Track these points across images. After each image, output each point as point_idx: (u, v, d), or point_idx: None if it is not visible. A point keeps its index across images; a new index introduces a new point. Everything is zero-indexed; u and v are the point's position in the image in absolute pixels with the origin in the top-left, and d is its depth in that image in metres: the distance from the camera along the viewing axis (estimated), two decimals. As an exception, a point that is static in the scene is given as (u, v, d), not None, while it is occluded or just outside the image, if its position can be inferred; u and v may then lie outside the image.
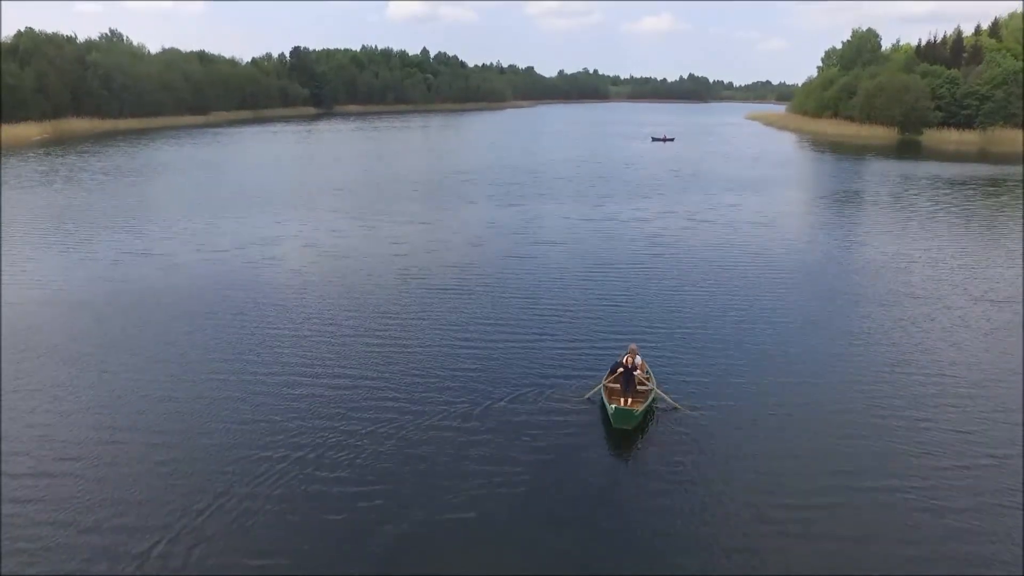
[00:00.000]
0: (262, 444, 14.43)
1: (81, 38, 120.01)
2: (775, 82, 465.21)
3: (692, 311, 22.88)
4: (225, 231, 34.38)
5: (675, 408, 16.08)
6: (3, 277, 25.70)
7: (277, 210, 40.01)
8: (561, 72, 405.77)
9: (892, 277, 27.21)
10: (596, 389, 16.60)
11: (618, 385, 16.28)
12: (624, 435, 14.86)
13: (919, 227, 37.25)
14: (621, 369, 16.51)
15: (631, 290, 25.29)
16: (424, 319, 21.87)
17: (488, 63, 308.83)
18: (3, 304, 22.71)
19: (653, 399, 16.19)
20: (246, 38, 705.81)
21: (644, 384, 16.52)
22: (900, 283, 26.37)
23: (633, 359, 16.94)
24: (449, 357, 18.83)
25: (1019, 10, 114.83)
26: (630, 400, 15.88)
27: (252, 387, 16.90)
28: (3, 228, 33.91)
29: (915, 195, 48.61)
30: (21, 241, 31.79)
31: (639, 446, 14.82)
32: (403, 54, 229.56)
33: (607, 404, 15.61)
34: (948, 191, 50.57)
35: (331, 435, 14.70)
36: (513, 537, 11.81)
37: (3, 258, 28.34)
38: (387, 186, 50.06)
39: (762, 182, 52.44)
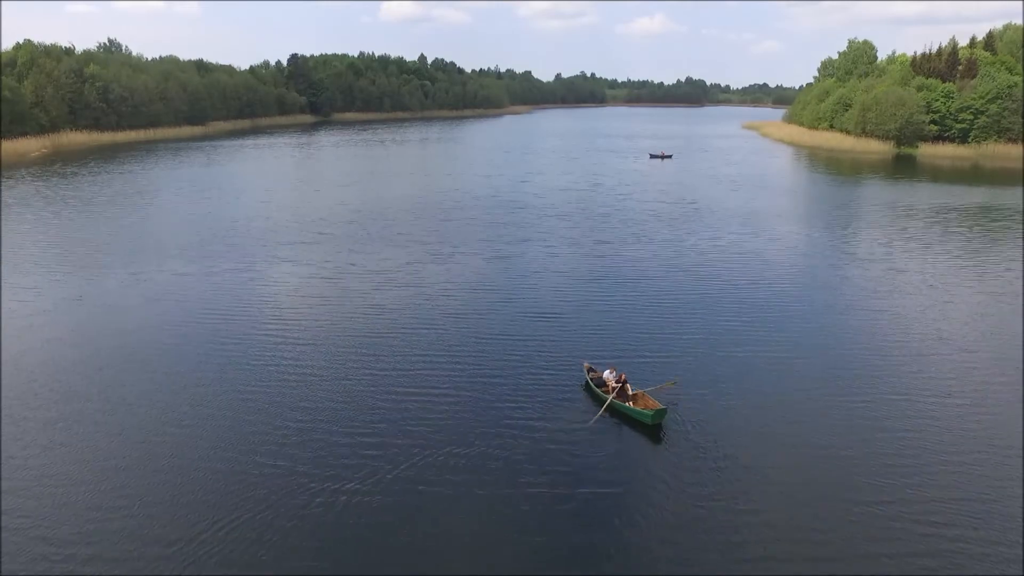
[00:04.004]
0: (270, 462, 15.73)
1: (74, 41, 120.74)
2: (772, 84, 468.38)
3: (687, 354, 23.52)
4: (186, 283, 32.75)
5: (658, 389, 20.84)
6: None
7: (248, 257, 37.33)
8: (558, 76, 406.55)
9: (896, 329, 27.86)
10: (603, 410, 19.86)
11: (615, 395, 20.17)
12: (657, 428, 19.05)
13: (920, 270, 37.33)
14: (617, 384, 20.46)
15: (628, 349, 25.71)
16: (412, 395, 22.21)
17: (485, 67, 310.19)
18: None
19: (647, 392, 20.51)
20: (239, 37, 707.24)
21: (627, 388, 20.47)
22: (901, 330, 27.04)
23: (612, 372, 21.10)
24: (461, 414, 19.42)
25: (1014, 22, 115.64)
26: (640, 401, 20.07)
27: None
28: None
29: (916, 230, 49.00)
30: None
31: (668, 433, 18.95)
32: (400, 60, 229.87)
33: (635, 410, 19.53)
34: (949, 222, 51.14)
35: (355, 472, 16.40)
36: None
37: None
38: (370, 224, 46.66)
39: (765, 218, 51.08)
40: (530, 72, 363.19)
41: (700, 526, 14.98)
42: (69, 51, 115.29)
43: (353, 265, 36.10)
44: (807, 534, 14.77)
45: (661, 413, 19.20)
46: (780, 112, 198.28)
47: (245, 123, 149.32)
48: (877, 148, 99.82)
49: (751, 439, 18.60)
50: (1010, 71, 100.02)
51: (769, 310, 29.61)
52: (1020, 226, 48.06)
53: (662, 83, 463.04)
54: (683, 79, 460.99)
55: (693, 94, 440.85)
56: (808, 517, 15.32)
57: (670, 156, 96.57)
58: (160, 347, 24.70)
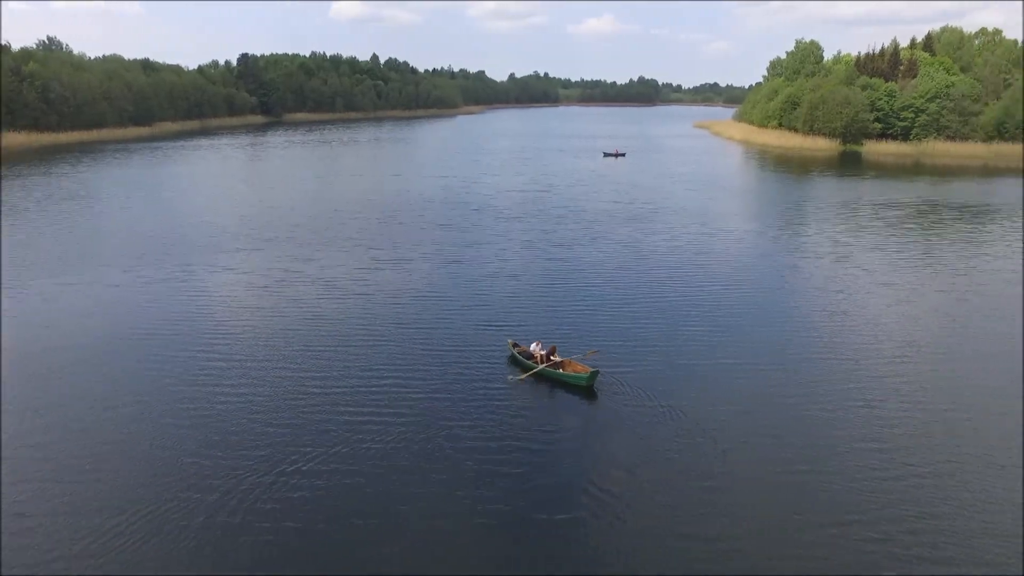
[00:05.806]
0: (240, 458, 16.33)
1: (11, 40, 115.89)
2: (722, 84, 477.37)
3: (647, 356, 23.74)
4: (119, 294, 30.63)
5: (584, 356, 22.49)
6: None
7: (186, 265, 35.32)
8: (512, 76, 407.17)
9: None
10: (529, 374, 21.56)
11: (543, 364, 21.86)
12: (591, 389, 20.90)
13: (869, 266, 38.44)
14: (543, 352, 22.20)
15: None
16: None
17: (438, 67, 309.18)
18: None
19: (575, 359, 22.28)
20: (185, 38, 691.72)
21: (556, 357, 22.18)
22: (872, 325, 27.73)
23: (539, 345, 22.57)
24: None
25: (951, 24, 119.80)
26: (569, 367, 21.77)
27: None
28: None
29: (867, 226, 50.43)
30: None
31: (600, 394, 20.86)
32: (352, 60, 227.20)
33: (570, 375, 21.26)
34: (898, 218, 52.83)
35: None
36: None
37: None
38: (316, 229, 44.51)
39: (718, 216, 51.52)
40: (483, 72, 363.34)
41: (643, 478, 16.49)
42: (5, 48, 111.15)
43: (295, 272, 34.27)
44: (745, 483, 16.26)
45: (594, 375, 21.00)
46: (731, 111, 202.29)
47: (194, 124, 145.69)
48: (824, 146, 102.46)
49: (687, 405, 20.00)
50: (948, 71, 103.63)
51: (720, 305, 29.74)
52: (965, 223, 49.76)
53: (615, 83, 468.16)
54: (635, 79, 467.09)
55: (645, 93, 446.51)
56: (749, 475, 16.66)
57: (623, 154, 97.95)
58: (88, 364, 22.87)
